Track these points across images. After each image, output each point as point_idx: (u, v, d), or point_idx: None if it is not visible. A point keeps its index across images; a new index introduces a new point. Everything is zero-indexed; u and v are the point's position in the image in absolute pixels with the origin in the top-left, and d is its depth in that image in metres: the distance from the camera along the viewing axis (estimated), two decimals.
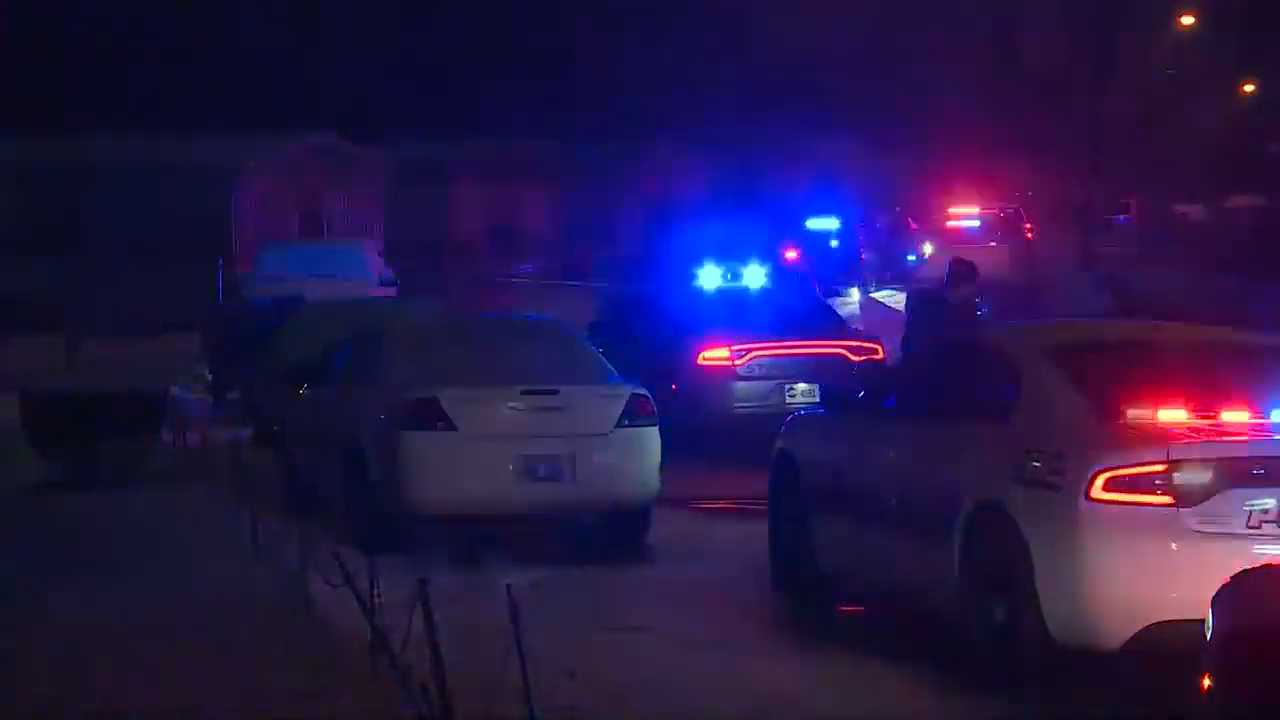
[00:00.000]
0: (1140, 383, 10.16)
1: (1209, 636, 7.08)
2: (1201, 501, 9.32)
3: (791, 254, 43.85)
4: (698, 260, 22.63)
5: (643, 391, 14.59)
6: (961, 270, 17.22)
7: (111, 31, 55.84)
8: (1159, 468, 9.36)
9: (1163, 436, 9.52)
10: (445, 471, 13.99)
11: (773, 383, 19.69)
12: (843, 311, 27.15)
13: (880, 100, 55.03)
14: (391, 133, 54.63)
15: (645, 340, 20.20)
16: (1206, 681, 6.79)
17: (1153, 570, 9.29)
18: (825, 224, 49.11)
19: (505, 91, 57.12)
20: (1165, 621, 9.17)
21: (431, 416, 14.05)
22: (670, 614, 12.01)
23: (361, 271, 33.38)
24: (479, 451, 14.01)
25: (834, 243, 48.88)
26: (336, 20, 58.13)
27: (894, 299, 38.75)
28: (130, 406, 17.96)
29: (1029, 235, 47.91)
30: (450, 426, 14.04)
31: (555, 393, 14.33)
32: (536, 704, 8.14)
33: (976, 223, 48.52)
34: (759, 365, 19.78)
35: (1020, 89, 52.23)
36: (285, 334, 21.33)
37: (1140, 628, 9.27)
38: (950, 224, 48.19)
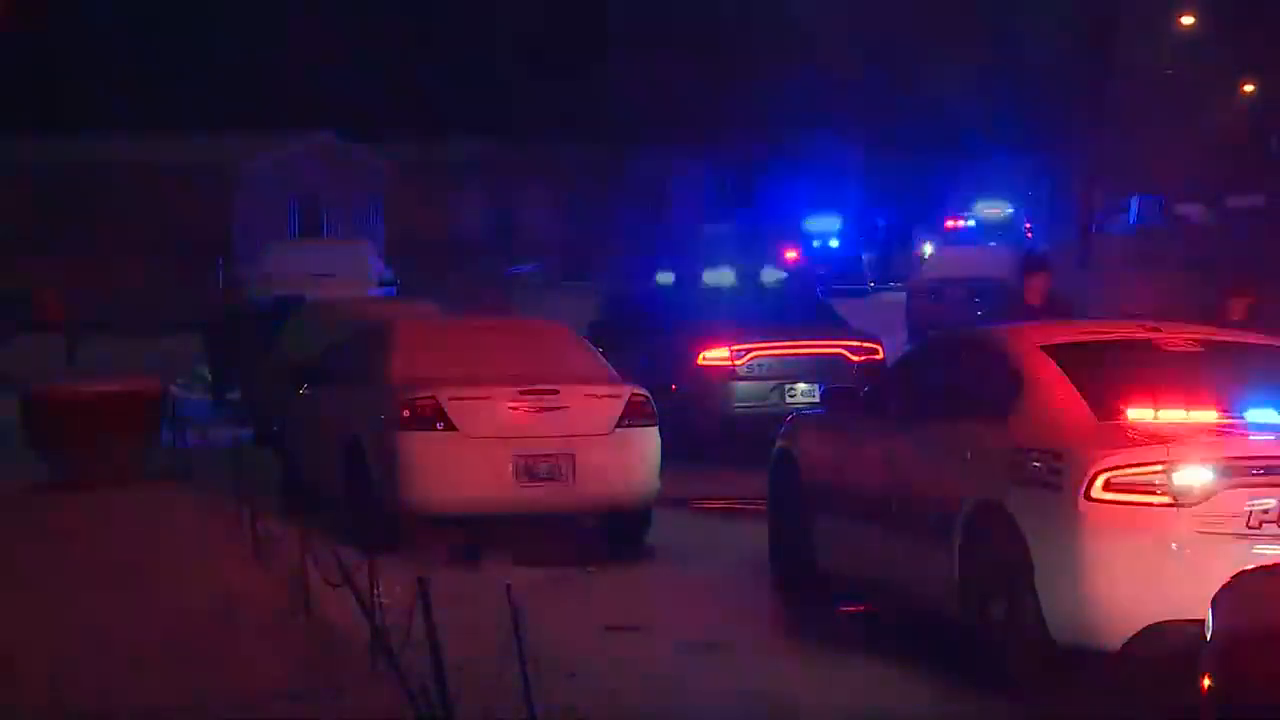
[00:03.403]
0: (1140, 382, 10.17)
1: (1209, 636, 7.08)
2: (1201, 501, 9.32)
3: (792, 254, 43.94)
4: (703, 260, 22.66)
5: (643, 391, 14.60)
6: (1034, 263, 16.10)
7: (111, 31, 55.81)
8: (1159, 468, 9.36)
9: (1163, 436, 9.52)
10: (445, 471, 14.00)
11: (773, 383, 19.69)
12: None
13: (880, 100, 55.02)
14: (391, 133, 54.60)
15: (645, 340, 20.20)
16: (1206, 681, 6.78)
17: (1153, 570, 9.29)
18: (825, 224, 49.17)
19: (505, 91, 57.08)
20: (1165, 621, 9.17)
21: (431, 416, 14.06)
22: (670, 614, 12.01)
23: (361, 271, 33.39)
24: (479, 451, 14.02)
25: (834, 242, 48.95)
26: (337, 20, 58.09)
27: (895, 299, 38.75)
28: (130, 406, 17.94)
29: (1029, 235, 47.94)
30: (450, 426, 14.05)
31: (555, 393, 14.33)
32: (536, 704, 8.14)
33: (975, 223, 48.54)
34: (759, 365, 19.78)
35: (1021, 89, 52.19)
36: (285, 334, 21.34)
37: (1140, 628, 9.27)
38: (950, 224, 48.22)
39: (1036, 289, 15.43)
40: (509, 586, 8.38)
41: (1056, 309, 15.07)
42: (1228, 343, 11.17)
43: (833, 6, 51.99)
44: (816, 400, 16.67)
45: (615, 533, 14.78)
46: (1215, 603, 7.24)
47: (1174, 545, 9.29)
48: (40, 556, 13.79)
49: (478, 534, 14.35)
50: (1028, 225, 49.08)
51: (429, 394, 14.14)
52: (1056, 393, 10.14)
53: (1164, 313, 15.11)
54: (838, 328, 20.82)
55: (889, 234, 50.56)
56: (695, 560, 13.92)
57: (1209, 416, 9.85)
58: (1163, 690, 9.08)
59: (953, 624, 10.35)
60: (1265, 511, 9.32)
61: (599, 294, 26.93)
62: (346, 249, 37.66)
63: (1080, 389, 10.07)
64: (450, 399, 14.11)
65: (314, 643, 10.67)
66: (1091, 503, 9.39)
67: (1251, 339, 11.45)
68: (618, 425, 14.37)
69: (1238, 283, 16.54)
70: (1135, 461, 9.41)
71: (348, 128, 53.90)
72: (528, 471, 14.08)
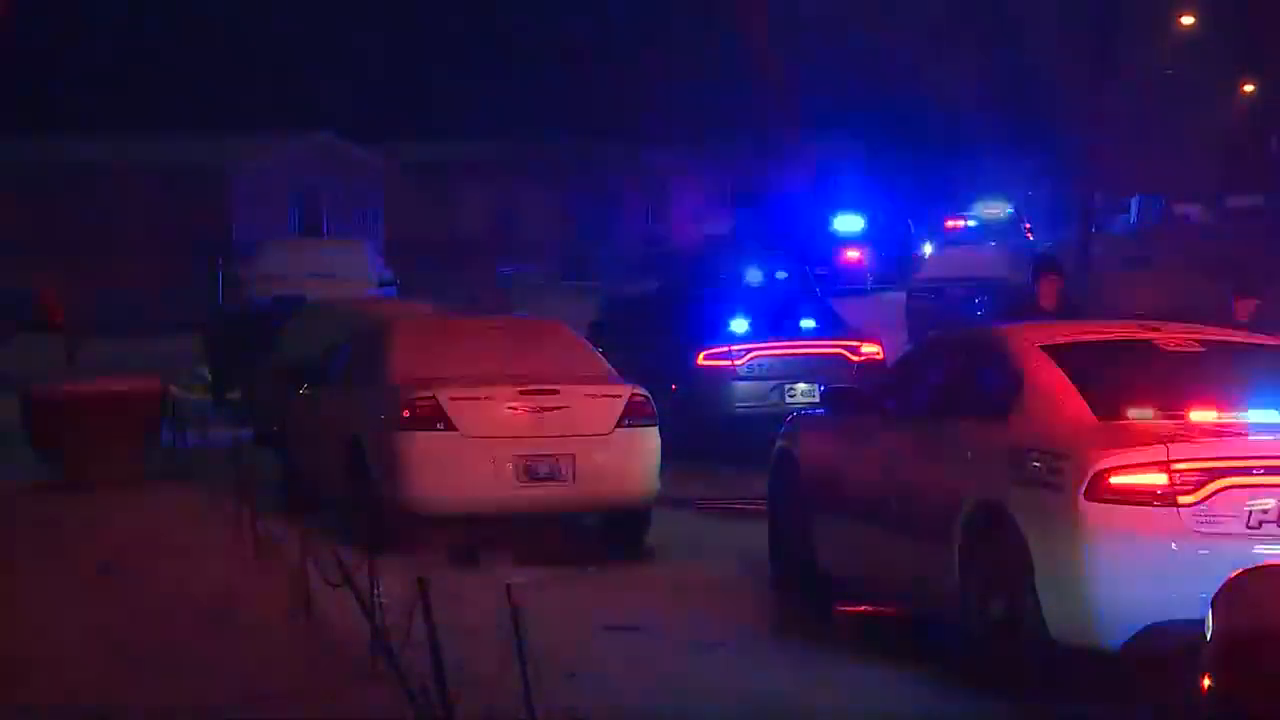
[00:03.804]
0: (1140, 382, 10.17)
1: (1209, 636, 7.08)
2: (1201, 501, 9.32)
3: (854, 254, 43.89)
4: (708, 261, 22.67)
5: (643, 391, 14.60)
6: (1046, 266, 15.35)
7: (111, 31, 55.82)
8: (1159, 468, 9.35)
9: (1163, 436, 9.51)
10: (445, 471, 14.00)
11: (773, 383, 19.70)
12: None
13: (880, 99, 55.05)
14: (391, 133, 54.61)
15: (645, 340, 20.20)
16: (1206, 681, 6.79)
17: (1153, 570, 9.29)
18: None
19: (505, 91, 57.10)
20: (1165, 621, 9.17)
21: (431, 416, 14.06)
22: (670, 614, 12.01)
23: (361, 271, 33.36)
24: (479, 451, 14.02)
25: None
26: (337, 20, 58.09)
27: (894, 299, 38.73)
28: (130, 406, 17.94)
29: (1028, 235, 47.93)
30: (450, 426, 14.05)
31: (555, 393, 14.34)
32: (536, 704, 8.14)
33: (975, 222, 48.52)
34: (759, 365, 19.79)
35: (1020, 88, 52.21)
36: (285, 334, 21.35)
37: (1140, 628, 9.27)
38: (949, 224, 48.20)
39: (1049, 292, 15.01)
40: (509, 586, 8.38)
41: (1068, 312, 14.63)
42: (1228, 343, 11.16)
43: (832, 5, 52.01)
44: (816, 400, 16.67)
45: (615, 533, 14.78)
46: (1215, 603, 7.24)
47: (1174, 545, 9.29)
48: (41, 556, 13.79)
49: (478, 534, 14.35)
50: (1027, 225, 49.04)
51: (429, 394, 14.13)
52: (1056, 393, 10.14)
53: (1165, 313, 15.01)
54: (838, 328, 20.82)
55: (890, 234, 50.58)
56: (695, 560, 13.92)
57: (1209, 416, 9.85)
58: (1163, 690, 9.08)
59: (953, 624, 10.35)
60: (1265, 511, 9.32)
61: (599, 294, 26.95)
62: (346, 249, 37.62)
63: (1080, 389, 10.07)
64: (450, 399, 14.11)
65: (314, 643, 10.67)
66: (1091, 503, 9.39)
67: (1251, 339, 11.44)
68: (618, 425, 14.37)
69: (1243, 284, 16.29)
70: (1135, 461, 9.40)
71: (348, 128, 53.92)
72: (528, 471, 14.08)
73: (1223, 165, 54.72)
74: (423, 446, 14.02)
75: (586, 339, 16.66)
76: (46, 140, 50.07)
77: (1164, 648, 9.12)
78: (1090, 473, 9.40)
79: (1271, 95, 56.67)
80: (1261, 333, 12.59)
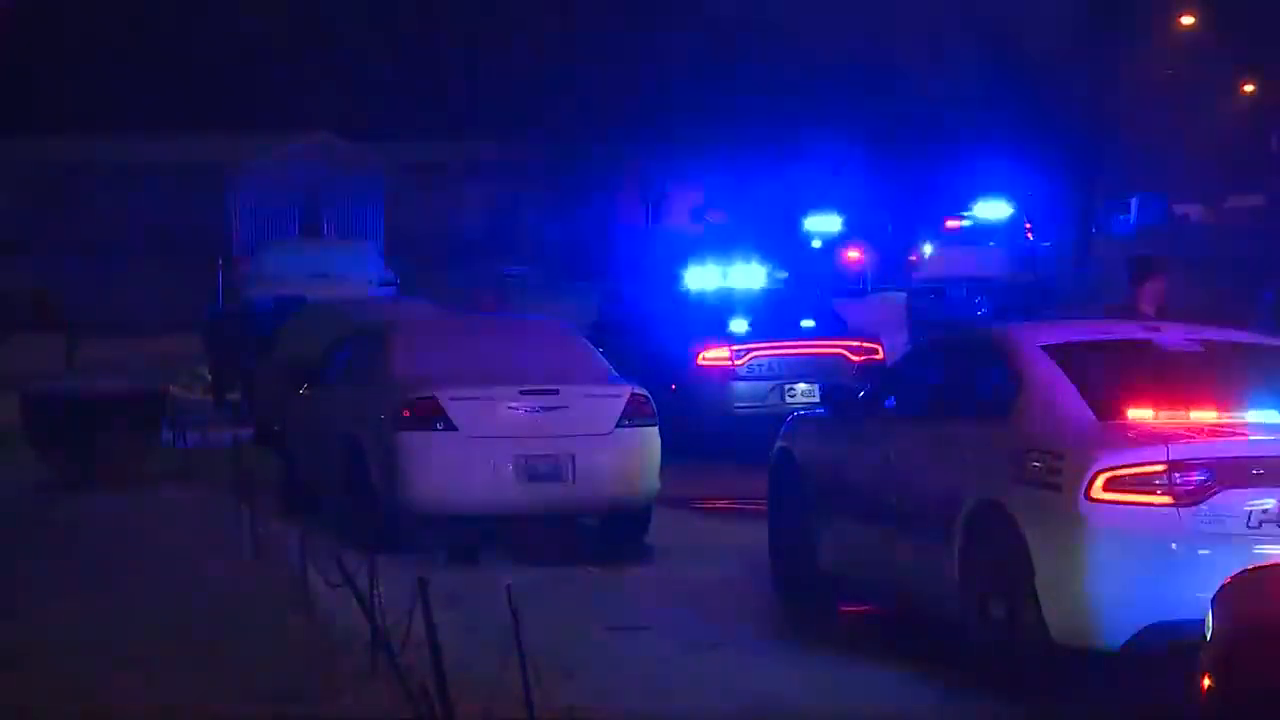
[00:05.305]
0: (1140, 382, 10.17)
1: (1209, 636, 7.08)
2: (1201, 501, 9.32)
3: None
4: (698, 261, 22.64)
5: (643, 391, 14.60)
6: (1149, 267, 13.78)
7: (110, 31, 55.81)
8: (1159, 468, 9.35)
9: (1163, 436, 9.51)
10: (445, 471, 14.00)
11: (773, 383, 19.70)
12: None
13: (879, 99, 55.03)
14: (391, 133, 54.57)
15: (645, 340, 20.21)
16: (1206, 681, 6.79)
17: (1153, 570, 9.29)
18: (826, 224, 49.17)
19: (504, 91, 57.09)
20: (1165, 621, 9.17)
21: (431, 416, 14.06)
22: (670, 614, 12.01)
23: (361, 271, 33.35)
24: (479, 451, 14.02)
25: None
26: (336, 20, 58.09)
27: (894, 299, 38.77)
28: (130, 406, 17.94)
29: (1028, 235, 47.91)
30: (450, 426, 14.05)
31: (555, 393, 14.34)
32: (536, 704, 8.14)
33: (970, 222, 48.48)
34: (759, 365, 19.80)
35: (1020, 88, 52.22)
36: (285, 334, 21.35)
37: (1140, 628, 9.28)
38: (950, 223, 48.16)
39: (1151, 295, 13.47)
40: (509, 586, 8.39)
41: (1169, 317, 12.79)
42: (1228, 343, 11.16)
43: (833, 5, 52.03)
44: (816, 400, 16.67)
45: (615, 533, 14.78)
46: (1215, 603, 7.24)
47: (1174, 545, 9.29)
48: (40, 556, 13.78)
49: (478, 534, 14.35)
50: (1028, 225, 49.00)
51: (429, 394, 14.13)
52: (1056, 393, 10.14)
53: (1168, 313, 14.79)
54: (838, 328, 20.82)
55: (889, 233, 50.60)
56: (695, 560, 13.92)
57: (1209, 416, 9.86)
58: (1163, 690, 9.08)
59: (953, 624, 10.35)
60: (1265, 511, 9.32)
61: (599, 294, 26.93)
62: (346, 249, 37.64)
63: (1080, 389, 10.07)
64: (450, 399, 14.11)
65: (314, 643, 10.67)
66: (1091, 503, 9.39)
67: (1251, 339, 11.44)
68: (618, 425, 14.37)
69: (1145, 268, 13.95)
70: (1135, 461, 9.40)
71: (347, 128, 53.88)
72: (528, 471, 14.08)
73: (1223, 165, 54.71)
74: (423, 446, 14.02)
75: (586, 339, 16.66)
76: (45, 140, 50.04)
77: (1164, 648, 9.13)
78: (1090, 473, 9.41)
79: (1271, 95, 56.68)
80: (1171, 316, 12.20)
